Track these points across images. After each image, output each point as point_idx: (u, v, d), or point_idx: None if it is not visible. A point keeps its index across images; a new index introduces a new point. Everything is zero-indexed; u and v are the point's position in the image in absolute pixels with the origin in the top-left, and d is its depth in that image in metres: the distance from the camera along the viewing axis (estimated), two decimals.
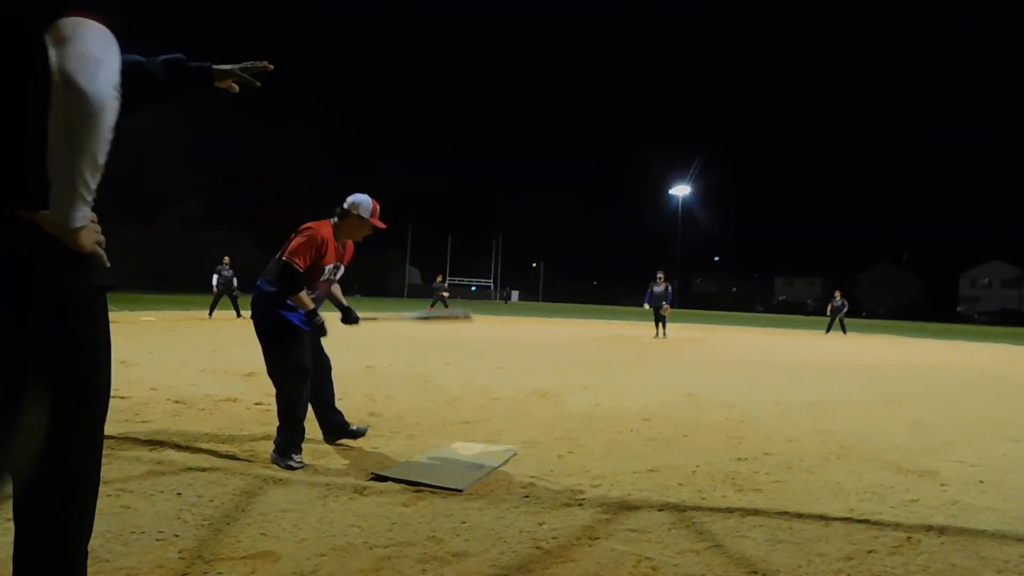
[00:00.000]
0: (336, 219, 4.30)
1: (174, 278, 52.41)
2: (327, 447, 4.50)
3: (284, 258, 4.08)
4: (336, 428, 4.59)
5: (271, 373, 4.21)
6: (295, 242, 4.12)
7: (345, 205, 4.29)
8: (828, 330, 25.87)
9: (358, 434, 4.62)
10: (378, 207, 4.36)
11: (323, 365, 4.54)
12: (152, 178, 57.99)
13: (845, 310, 25.07)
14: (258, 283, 4.28)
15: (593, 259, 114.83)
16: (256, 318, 4.25)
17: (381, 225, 4.38)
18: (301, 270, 4.06)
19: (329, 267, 4.29)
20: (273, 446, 4.06)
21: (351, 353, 10.01)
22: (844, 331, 25.05)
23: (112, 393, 6.43)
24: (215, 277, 19.61)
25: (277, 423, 4.07)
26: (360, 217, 4.28)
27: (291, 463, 3.92)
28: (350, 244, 4.51)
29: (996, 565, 2.82)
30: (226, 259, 19.85)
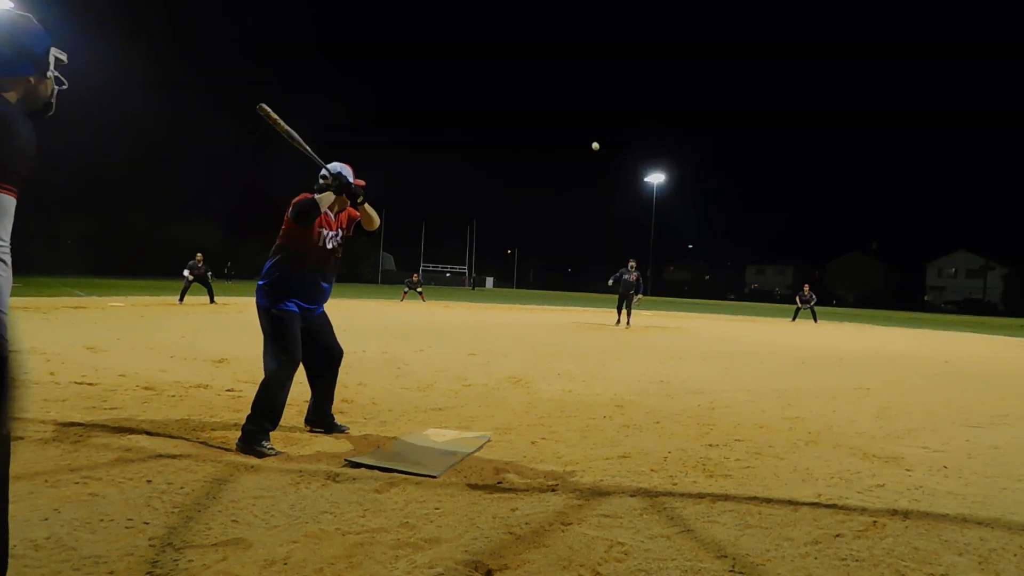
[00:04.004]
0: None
1: (143, 263, 51.78)
2: (299, 434, 4.48)
3: (287, 215, 4.11)
4: (322, 420, 4.59)
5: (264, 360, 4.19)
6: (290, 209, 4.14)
7: (321, 181, 4.29)
8: (794, 318, 27.36)
9: (339, 431, 4.62)
10: (351, 168, 4.37)
11: (332, 355, 4.56)
12: (122, 165, 57.18)
13: (814, 302, 26.06)
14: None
15: (567, 246, 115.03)
16: (257, 307, 4.24)
17: (360, 183, 4.38)
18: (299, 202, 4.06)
19: (326, 233, 4.28)
20: (240, 433, 4.01)
21: None
22: (815, 320, 26.08)
23: (80, 379, 6.37)
24: (186, 271, 19.39)
25: (250, 410, 4.03)
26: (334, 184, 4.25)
27: (262, 449, 3.89)
28: (344, 215, 4.49)
29: (957, 548, 2.89)
30: (199, 255, 19.59)
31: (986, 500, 3.63)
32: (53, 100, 2.16)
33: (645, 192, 72.04)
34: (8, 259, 1.88)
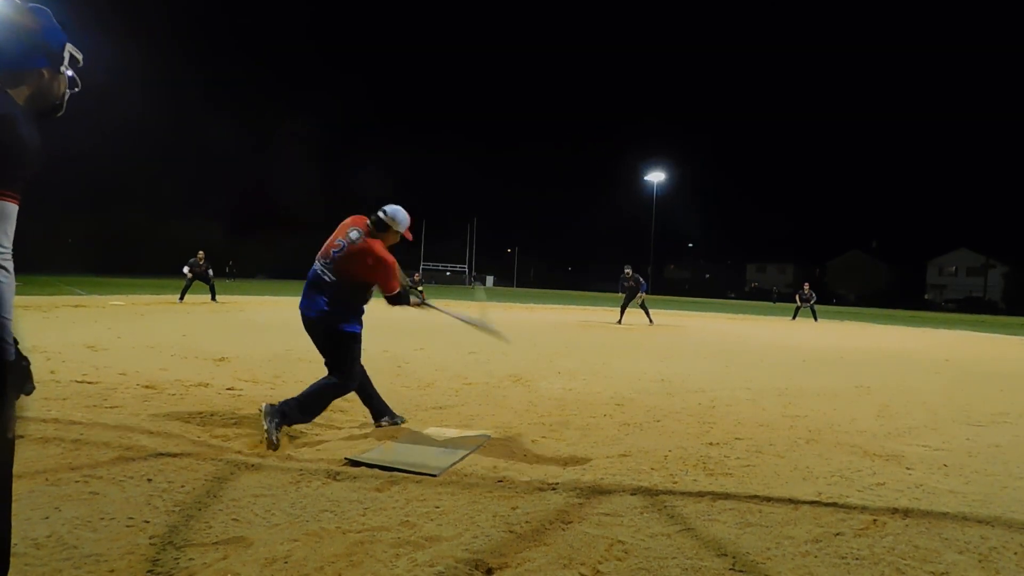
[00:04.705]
0: (374, 228, 4.51)
1: (144, 262, 51.87)
2: (300, 432, 4.48)
3: (387, 295, 4.48)
4: (382, 410, 4.81)
5: (332, 368, 4.43)
6: (380, 273, 4.38)
7: (384, 218, 4.54)
8: (795, 317, 27.50)
9: (401, 420, 4.88)
10: (410, 220, 4.68)
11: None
12: (123, 164, 57.35)
13: (814, 300, 26.11)
14: (321, 304, 4.37)
15: (568, 245, 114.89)
16: (325, 327, 4.37)
17: (409, 237, 4.76)
18: (400, 289, 4.49)
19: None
20: (277, 407, 4.10)
21: None
22: (815, 318, 26.09)
23: (81, 378, 6.39)
24: (186, 268, 19.40)
25: (300, 393, 4.25)
26: (397, 232, 4.62)
27: (275, 435, 4.01)
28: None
29: (958, 546, 2.89)
30: (200, 253, 19.59)
31: (987, 498, 3.63)
32: (64, 101, 2.15)
33: (645, 191, 71.93)
34: (10, 266, 1.86)
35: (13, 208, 1.86)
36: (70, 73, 2.13)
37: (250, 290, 29.37)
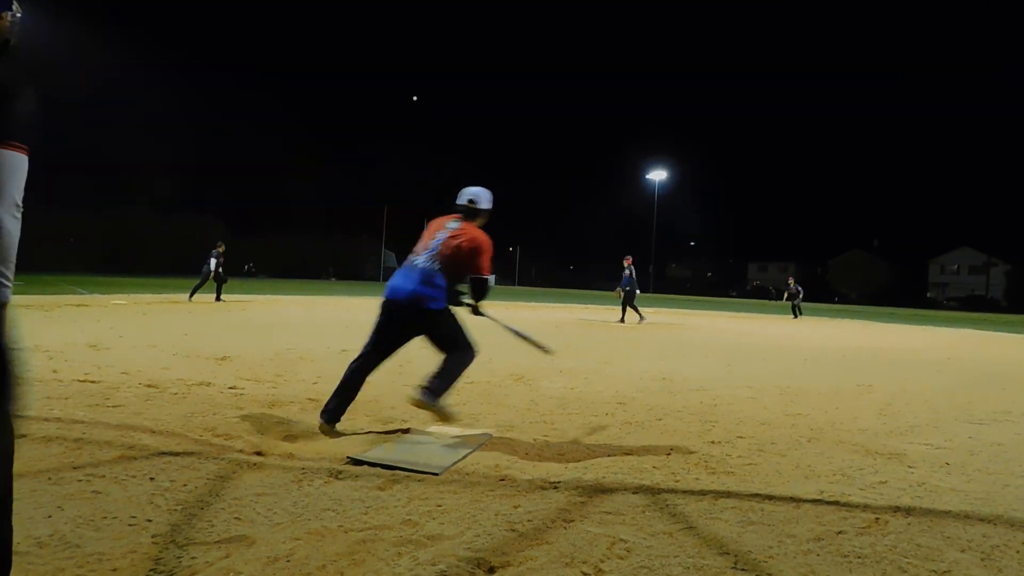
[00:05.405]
0: (465, 216, 4.69)
1: (146, 262, 51.91)
2: (302, 431, 4.48)
3: (484, 276, 4.68)
4: (337, 415, 4.61)
5: (450, 347, 4.68)
6: (483, 259, 4.59)
7: (482, 205, 4.72)
8: (795, 315, 27.35)
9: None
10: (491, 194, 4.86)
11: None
12: (125, 163, 57.49)
13: (800, 296, 26.14)
14: (418, 285, 4.49)
15: (569, 244, 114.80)
16: (430, 311, 4.53)
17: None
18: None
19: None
20: (427, 388, 4.39)
21: (326, 336, 9.96)
22: (800, 313, 26.51)
23: (83, 377, 6.39)
24: (212, 262, 18.84)
25: (437, 373, 4.51)
26: (487, 211, 4.79)
27: (445, 402, 4.35)
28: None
29: (960, 544, 2.89)
30: (221, 246, 19.22)
31: (989, 497, 3.62)
32: (13, 32, 2.00)
33: (647, 189, 71.89)
34: (20, 216, 1.82)
35: (23, 159, 1.81)
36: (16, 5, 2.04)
37: (252, 289, 29.38)
